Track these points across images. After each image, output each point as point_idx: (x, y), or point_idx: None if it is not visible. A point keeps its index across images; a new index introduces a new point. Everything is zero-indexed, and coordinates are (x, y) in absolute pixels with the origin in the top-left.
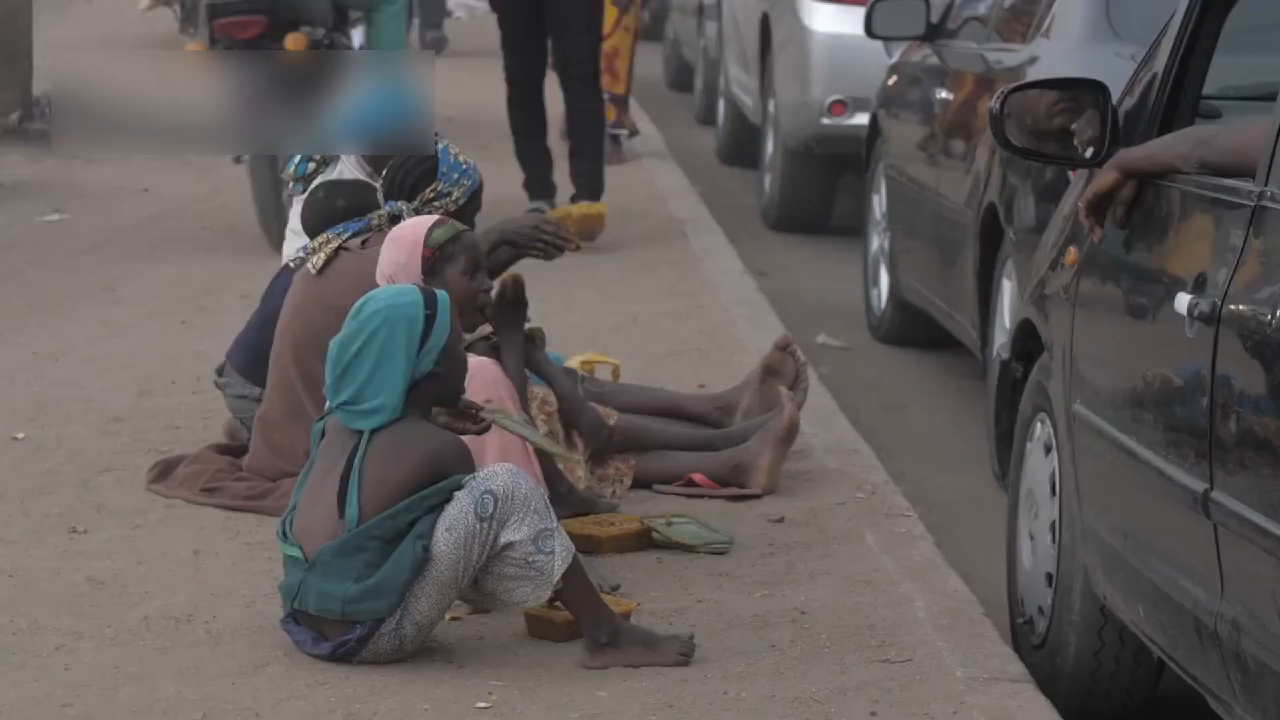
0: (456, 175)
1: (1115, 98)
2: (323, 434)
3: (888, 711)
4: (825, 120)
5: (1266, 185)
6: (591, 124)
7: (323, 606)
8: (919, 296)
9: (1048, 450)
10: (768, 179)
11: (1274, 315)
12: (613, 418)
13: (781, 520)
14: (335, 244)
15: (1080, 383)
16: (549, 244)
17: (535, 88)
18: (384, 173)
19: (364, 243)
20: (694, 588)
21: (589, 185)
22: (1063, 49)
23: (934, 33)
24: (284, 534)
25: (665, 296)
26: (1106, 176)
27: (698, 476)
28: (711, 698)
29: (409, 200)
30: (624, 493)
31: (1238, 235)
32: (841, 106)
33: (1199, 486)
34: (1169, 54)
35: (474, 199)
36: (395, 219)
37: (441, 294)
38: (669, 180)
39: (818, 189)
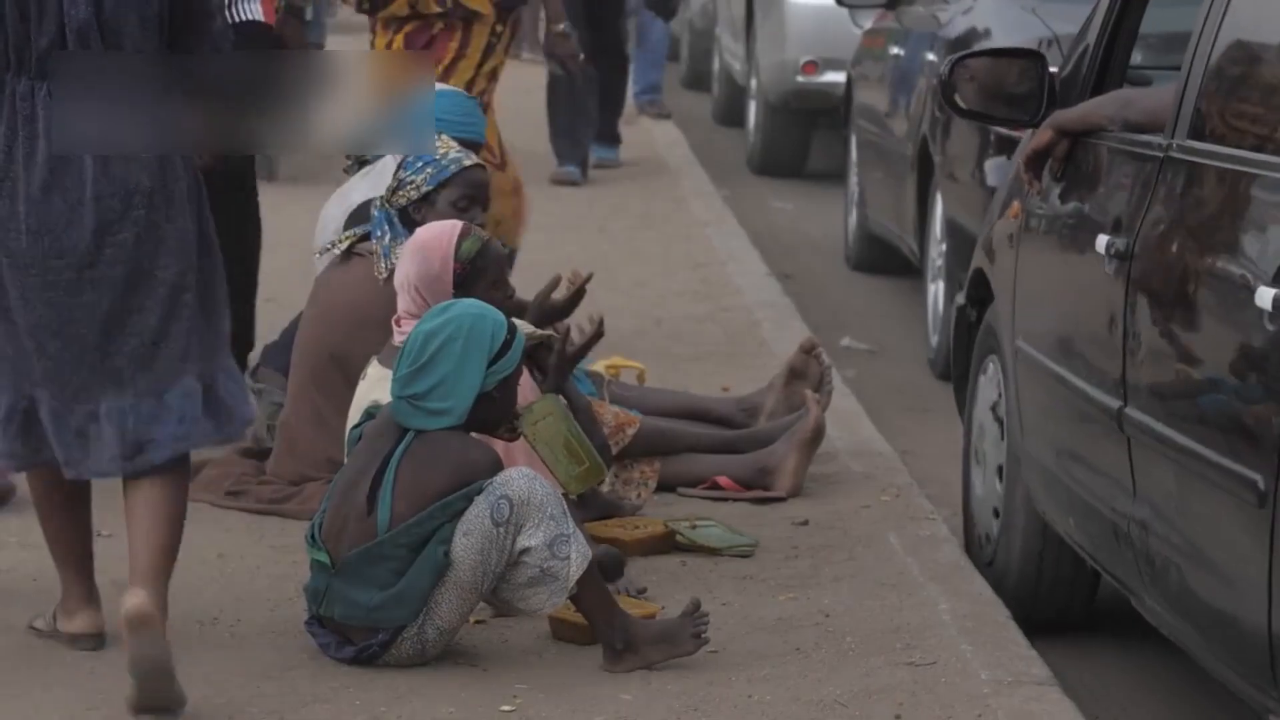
0: (421, 163)
1: (1052, 64)
2: (359, 440)
3: (912, 714)
4: (799, 78)
5: (1173, 138)
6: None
7: (347, 614)
8: (880, 226)
9: (998, 386)
10: (752, 131)
11: (1176, 249)
12: (635, 424)
13: (806, 523)
14: (346, 245)
15: (1022, 321)
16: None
17: None
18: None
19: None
20: (718, 591)
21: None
22: (981, 6)
23: (896, 1)
24: (313, 538)
25: (689, 299)
26: (1043, 135)
27: (722, 479)
28: (736, 700)
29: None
30: (648, 496)
31: (1148, 182)
32: (813, 66)
33: (1115, 404)
34: (1099, 28)
35: (445, 187)
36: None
37: (520, 333)
38: (693, 183)
39: (794, 139)
